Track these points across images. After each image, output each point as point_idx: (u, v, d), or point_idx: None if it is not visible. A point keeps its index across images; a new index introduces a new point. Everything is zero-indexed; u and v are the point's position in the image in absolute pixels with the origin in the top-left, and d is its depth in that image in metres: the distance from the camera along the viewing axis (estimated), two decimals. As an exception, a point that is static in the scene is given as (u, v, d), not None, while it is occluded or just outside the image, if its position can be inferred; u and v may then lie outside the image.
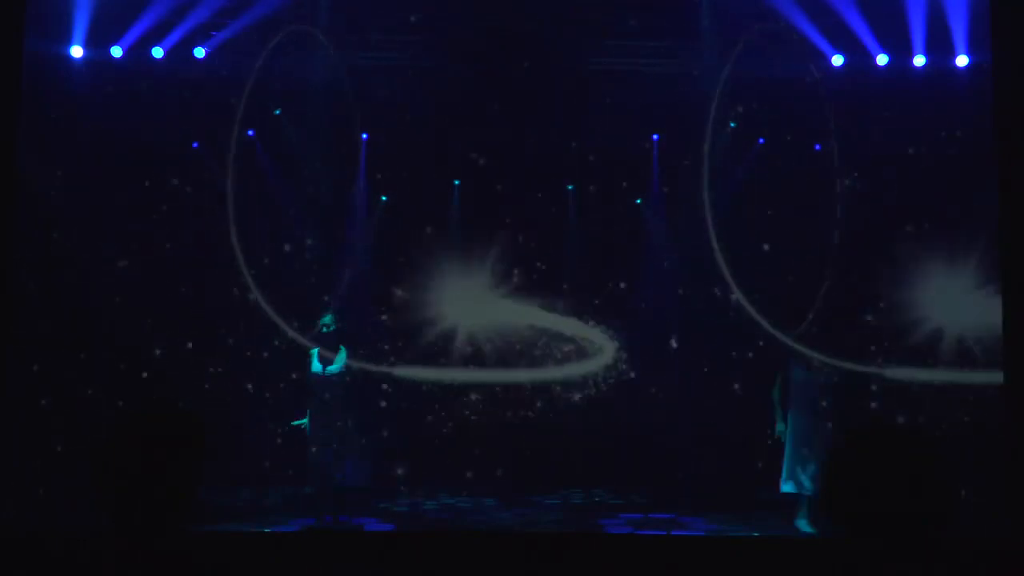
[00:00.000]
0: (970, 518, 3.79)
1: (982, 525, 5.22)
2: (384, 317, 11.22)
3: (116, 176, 9.99)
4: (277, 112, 10.65)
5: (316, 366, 8.60)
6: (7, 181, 6.19)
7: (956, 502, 2.10)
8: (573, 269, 11.36)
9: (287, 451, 9.31)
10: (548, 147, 10.93)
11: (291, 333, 10.24)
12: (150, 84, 9.92)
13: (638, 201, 11.42)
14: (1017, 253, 5.89)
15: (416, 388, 11.06)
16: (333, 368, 8.56)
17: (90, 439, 2.31)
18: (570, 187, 11.39)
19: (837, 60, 9.84)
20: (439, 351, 11.18)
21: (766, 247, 10.66)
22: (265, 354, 10.47)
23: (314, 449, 8.53)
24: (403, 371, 11.03)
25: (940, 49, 9.49)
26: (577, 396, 11.23)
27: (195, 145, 10.47)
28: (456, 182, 11.30)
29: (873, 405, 9.91)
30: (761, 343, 10.04)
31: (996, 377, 6.85)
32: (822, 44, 9.79)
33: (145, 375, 10.05)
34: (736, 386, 10.60)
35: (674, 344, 11.05)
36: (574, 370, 11.28)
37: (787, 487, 8.28)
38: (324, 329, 8.76)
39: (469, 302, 11.20)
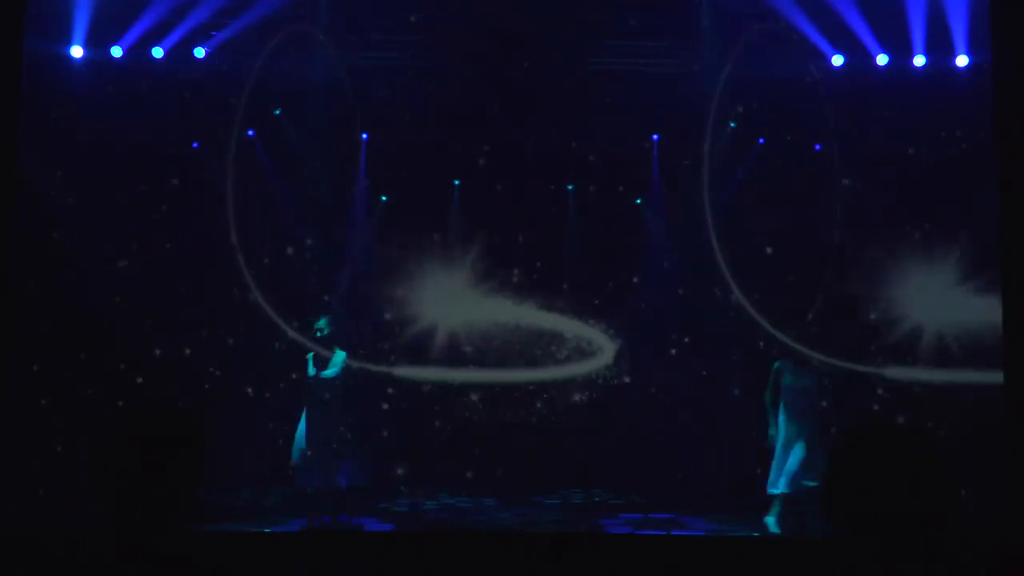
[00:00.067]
0: (970, 518, 3.79)
1: (982, 525, 5.22)
2: (387, 316, 11.21)
3: (116, 176, 9.99)
4: (277, 112, 10.65)
5: (311, 370, 8.59)
6: (7, 181, 6.19)
7: (956, 502, 2.10)
8: (573, 269, 11.37)
9: (288, 451, 9.30)
10: (548, 147, 10.93)
11: (291, 333, 10.24)
12: (150, 84, 9.91)
13: (638, 201, 11.42)
14: (1017, 253, 5.90)
15: (416, 388, 11.06)
16: (328, 373, 8.52)
17: (90, 439, 2.31)
18: (570, 187, 11.39)
19: (837, 60, 9.84)
20: (439, 351, 11.17)
21: (766, 247, 10.65)
22: (265, 354, 10.47)
23: (309, 452, 8.49)
24: (403, 371, 11.03)
25: (940, 49, 9.49)
26: (577, 396, 11.23)
27: (195, 145, 10.47)
28: (456, 182, 11.30)
29: (871, 407, 9.90)
30: (761, 344, 10.04)
31: (996, 377, 6.84)
32: (822, 44, 9.79)
33: (145, 375, 10.04)
34: (736, 386, 10.59)
35: (673, 352, 11.05)
36: (574, 370, 11.28)
37: (773, 490, 8.30)
38: (318, 333, 8.73)
39: (468, 302, 11.19)
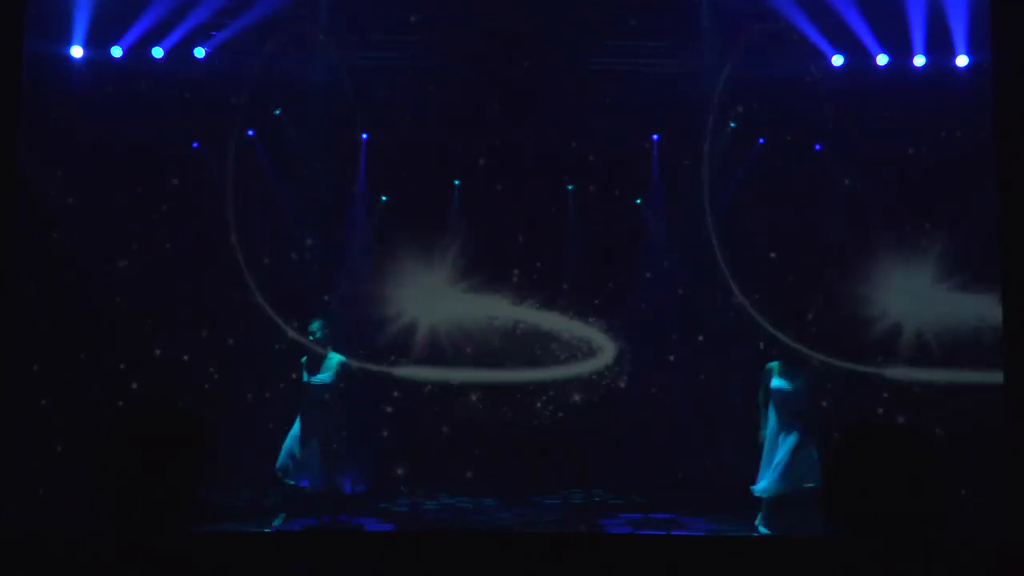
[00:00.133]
0: (970, 518, 3.79)
1: (982, 525, 5.22)
2: (382, 314, 11.21)
3: (116, 176, 9.98)
4: (277, 112, 10.64)
5: (304, 375, 8.55)
6: (7, 181, 6.20)
7: (956, 502, 2.10)
8: (573, 269, 11.36)
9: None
10: (548, 147, 10.93)
11: (291, 333, 10.23)
12: (150, 84, 9.91)
13: (638, 201, 11.42)
14: (1017, 253, 5.90)
15: (417, 388, 11.05)
16: (323, 377, 8.47)
17: (90, 439, 2.31)
18: (570, 187, 11.39)
19: (837, 60, 9.84)
20: (438, 351, 11.18)
21: (766, 248, 10.65)
22: (265, 354, 10.46)
23: (300, 455, 8.42)
24: (403, 371, 11.03)
25: (940, 49, 9.49)
26: (577, 396, 11.23)
27: (195, 145, 10.46)
28: (456, 182, 11.30)
29: (872, 407, 9.90)
30: (761, 344, 10.03)
31: (996, 377, 6.85)
32: (822, 44, 9.78)
33: (145, 375, 10.03)
34: (736, 386, 10.59)
35: (673, 352, 11.05)
36: (574, 370, 11.28)
37: (757, 491, 8.32)
38: (311, 336, 8.70)
39: (462, 302, 11.19)
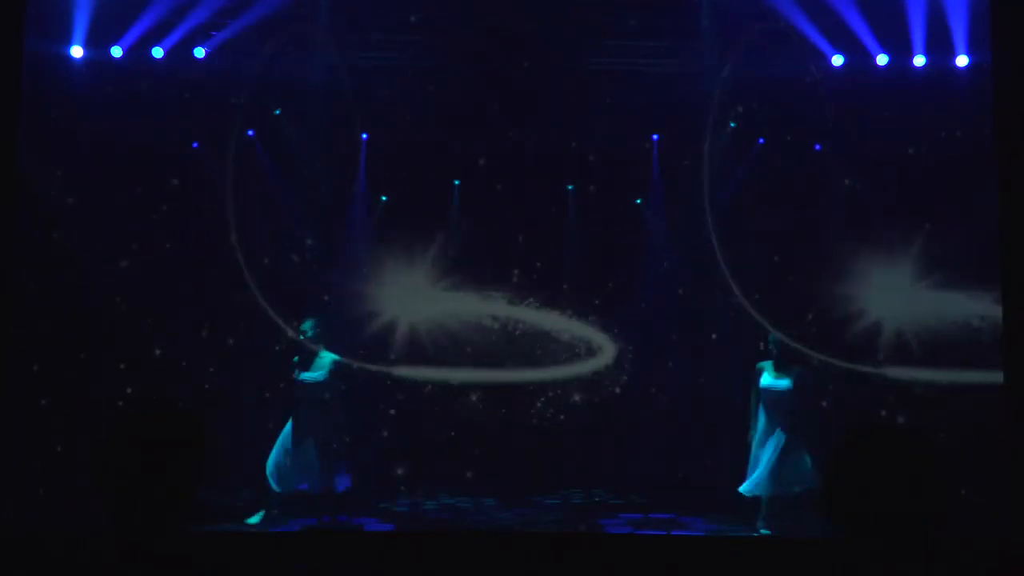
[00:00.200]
0: (970, 518, 3.79)
1: (982, 525, 5.22)
2: (382, 316, 11.21)
3: (116, 176, 9.98)
4: (277, 112, 10.64)
5: (297, 373, 8.50)
6: (7, 181, 6.20)
7: (956, 502, 2.10)
8: (573, 269, 11.36)
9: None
10: (548, 147, 10.93)
11: (291, 333, 10.22)
12: (150, 84, 9.91)
13: (638, 201, 11.42)
14: (1017, 253, 5.90)
15: (417, 388, 11.05)
16: (316, 375, 8.39)
17: (90, 439, 2.31)
18: (570, 187, 11.38)
19: (837, 60, 9.84)
20: (437, 351, 11.18)
21: (767, 248, 10.65)
22: (265, 354, 10.46)
23: (295, 453, 8.35)
24: (403, 371, 11.03)
25: (940, 49, 9.49)
26: (577, 396, 11.23)
27: (195, 145, 10.46)
28: (456, 182, 11.30)
29: (872, 407, 9.90)
30: (761, 345, 10.03)
31: (996, 377, 6.85)
32: (822, 44, 9.78)
33: (145, 375, 10.03)
34: (736, 386, 10.58)
35: (672, 352, 11.04)
36: (574, 370, 11.28)
37: (745, 491, 8.34)
38: (302, 335, 8.64)
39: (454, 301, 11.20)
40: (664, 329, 11.08)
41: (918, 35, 9.48)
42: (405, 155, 10.90)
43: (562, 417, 11.10)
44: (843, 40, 9.73)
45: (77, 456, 8.79)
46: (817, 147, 10.49)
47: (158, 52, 9.78)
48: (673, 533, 8.38)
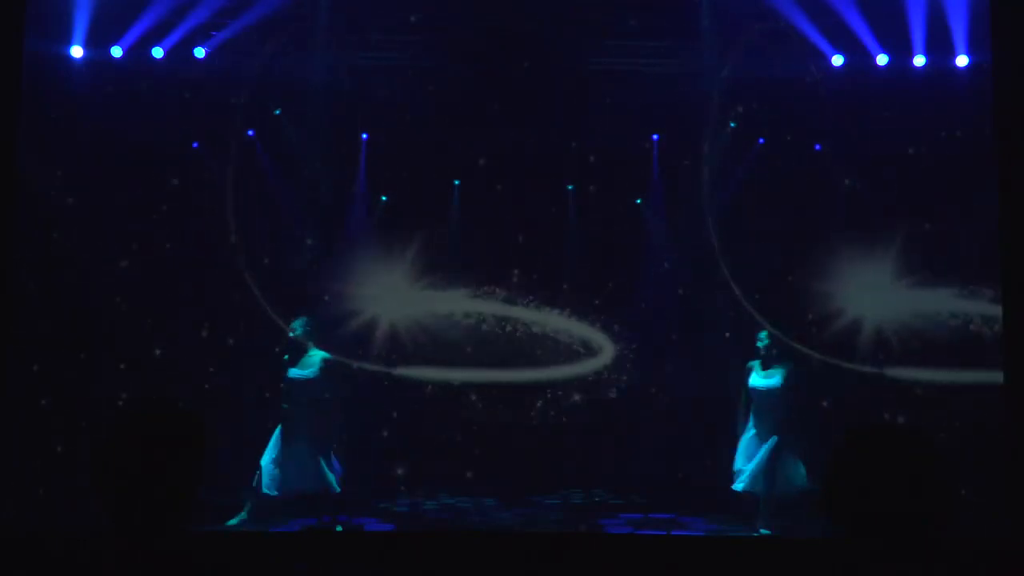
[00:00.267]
0: (970, 518, 3.79)
1: (982, 525, 5.22)
2: (383, 316, 11.21)
3: (116, 176, 9.98)
4: (277, 112, 10.64)
5: (287, 371, 8.43)
6: (7, 181, 6.20)
7: (956, 502, 2.10)
8: (573, 269, 11.36)
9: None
10: (548, 147, 10.93)
11: (291, 333, 10.20)
12: (150, 84, 9.91)
13: (638, 201, 11.42)
14: (1017, 253, 5.90)
15: (418, 388, 11.05)
16: (304, 373, 8.33)
17: (90, 439, 2.31)
18: (570, 187, 11.38)
19: (837, 60, 9.84)
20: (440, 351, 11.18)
21: (767, 248, 10.65)
22: (265, 354, 10.45)
23: (287, 454, 8.26)
24: (403, 371, 11.03)
25: (940, 49, 9.49)
26: (577, 396, 11.23)
27: (195, 145, 10.46)
28: (456, 182, 11.30)
29: (872, 408, 9.90)
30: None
31: (996, 377, 6.85)
32: (822, 44, 9.79)
33: (145, 375, 10.03)
34: (736, 386, 10.58)
35: (672, 352, 11.04)
36: (575, 370, 11.28)
37: (737, 485, 8.37)
38: (291, 333, 8.58)
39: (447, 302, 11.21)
40: (664, 329, 11.09)
41: (918, 35, 9.48)
42: (405, 155, 10.90)
43: (562, 417, 11.10)
44: (843, 40, 9.73)
45: (77, 456, 8.79)
46: (817, 147, 10.50)
47: (158, 52, 9.78)
48: (673, 533, 8.38)
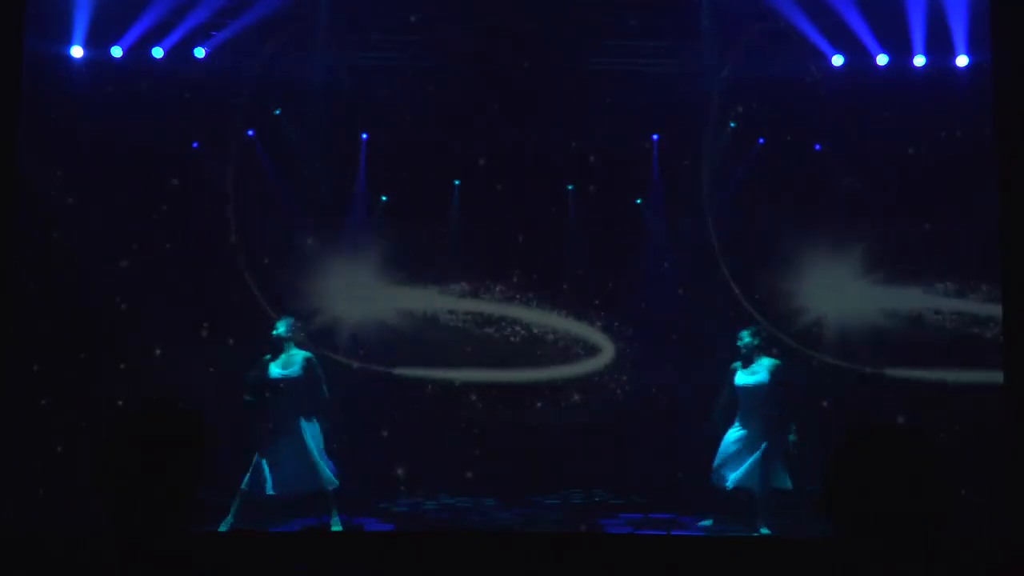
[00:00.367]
0: (970, 518, 3.79)
1: (982, 525, 5.22)
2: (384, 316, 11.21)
3: (116, 176, 9.98)
4: (277, 112, 10.64)
5: (270, 370, 8.35)
6: (7, 181, 6.20)
7: (956, 502, 2.10)
8: (573, 269, 11.36)
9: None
10: (548, 147, 10.93)
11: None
12: (150, 84, 9.92)
13: (638, 201, 11.42)
14: (1017, 253, 5.90)
15: (418, 388, 11.04)
16: (287, 372, 8.28)
17: (90, 439, 2.31)
18: (570, 187, 11.38)
19: (837, 60, 9.84)
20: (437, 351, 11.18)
21: (767, 247, 10.65)
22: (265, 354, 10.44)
23: (279, 457, 8.21)
24: (403, 371, 11.02)
25: (940, 49, 9.50)
26: (577, 396, 11.23)
27: (195, 145, 10.47)
28: (456, 182, 11.31)
29: (870, 407, 9.92)
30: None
31: (996, 377, 6.85)
32: (822, 44, 9.79)
33: (145, 375, 10.03)
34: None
35: (672, 352, 11.04)
36: (574, 370, 11.28)
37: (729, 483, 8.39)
38: (274, 331, 8.51)
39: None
40: (664, 329, 11.08)
41: (918, 35, 9.49)
42: (405, 155, 10.90)
43: (562, 417, 11.10)
44: (843, 40, 9.73)
45: (77, 456, 8.79)
46: (817, 147, 10.50)
47: (158, 52, 9.79)
48: (673, 533, 8.38)
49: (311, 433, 8.19)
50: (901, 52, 9.65)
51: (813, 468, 8.20)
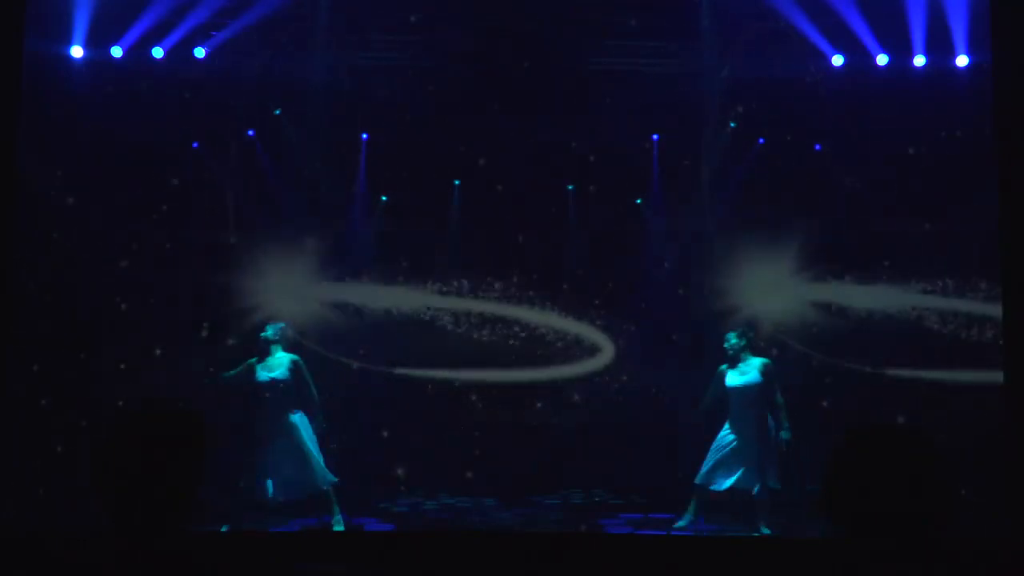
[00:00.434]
0: (970, 518, 3.79)
1: (982, 525, 5.22)
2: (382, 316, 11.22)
3: (116, 176, 9.98)
4: (277, 112, 10.64)
5: (257, 373, 8.34)
6: (7, 181, 6.21)
7: (956, 502, 2.10)
8: (573, 269, 11.37)
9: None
10: (548, 147, 10.93)
11: (290, 332, 10.19)
12: (150, 84, 9.91)
13: (638, 201, 11.42)
14: (1017, 253, 5.90)
15: (418, 388, 11.04)
16: (274, 374, 8.26)
17: (90, 439, 2.31)
18: (570, 187, 11.38)
19: (837, 60, 9.84)
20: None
21: (767, 247, 10.65)
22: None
23: (273, 461, 8.18)
24: (403, 371, 11.02)
25: (940, 49, 9.50)
26: (577, 396, 11.22)
27: (195, 145, 10.46)
28: (456, 182, 11.31)
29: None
30: (761, 343, 10.03)
31: (996, 377, 6.85)
32: (822, 44, 9.79)
33: (145, 375, 10.03)
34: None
35: (672, 352, 11.04)
36: (574, 370, 11.28)
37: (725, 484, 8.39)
38: (262, 334, 8.50)
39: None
40: (664, 329, 11.08)
41: (918, 35, 9.49)
42: (405, 155, 10.90)
43: (562, 417, 11.10)
44: (843, 40, 9.73)
45: (77, 456, 8.79)
46: (817, 147, 10.50)
47: (158, 52, 9.78)
48: (673, 533, 8.38)
49: (303, 427, 8.19)
50: (901, 52, 9.65)
51: (813, 468, 8.23)
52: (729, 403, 8.43)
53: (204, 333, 10.50)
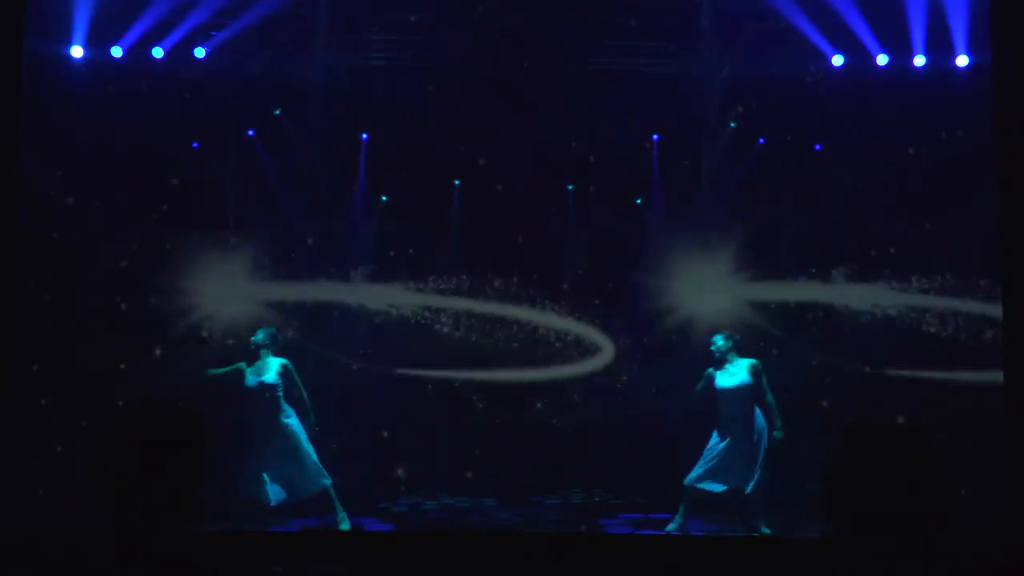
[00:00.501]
0: (970, 518, 3.79)
1: (982, 525, 5.22)
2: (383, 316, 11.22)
3: (116, 176, 9.99)
4: (277, 112, 10.64)
5: (247, 378, 8.34)
6: (7, 181, 6.21)
7: (956, 502, 2.10)
8: (573, 269, 11.36)
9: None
10: (548, 147, 10.92)
11: (290, 333, 10.21)
12: (150, 84, 9.92)
13: (638, 201, 11.42)
14: (1017, 253, 5.91)
15: (418, 388, 11.04)
16: (264, 378, 8.25)
17: (90, 439, 2.31)
18: (570, 187, 11.38)
19: (837, 60, 9.84)
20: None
21: (766, 247, 10.65)
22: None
23: (270, 463, 8.17)
24: (403, 371, 11.02)
25: (940, 49, 9.50)
26: (577, 396, 11.22)
27: (195, 145, 10.46)
28: (456, 182, 11.31)
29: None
30: (761, 343, 10.04)
31: (996, 377, 6.85)
32: (822, 44, 9.79)
33: (145, 375, 10.03)
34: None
35: (673, 352, 11.04)
36: (575, 370, 11.27)
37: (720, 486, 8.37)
38: (253, 338, 8.49)
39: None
40: (664, 329, 11.07)
41: (918, 35, 9.49)
42: (405, 155, 10.90)
43: (562, 417, 11.09)
44: (843, 40, 9.73)
45: (77, 456, 8.79)
46: (817, 147, 10.50)
47: (158, 52, 9.79)
48: (673, 533, 8.38)
49: (296, 429, 8.20)
50: (901, 52, 9.65)
51: (813, 468, 8.23)
52: (719, 405, 8.41)
53: (204, 333, 10.50)
